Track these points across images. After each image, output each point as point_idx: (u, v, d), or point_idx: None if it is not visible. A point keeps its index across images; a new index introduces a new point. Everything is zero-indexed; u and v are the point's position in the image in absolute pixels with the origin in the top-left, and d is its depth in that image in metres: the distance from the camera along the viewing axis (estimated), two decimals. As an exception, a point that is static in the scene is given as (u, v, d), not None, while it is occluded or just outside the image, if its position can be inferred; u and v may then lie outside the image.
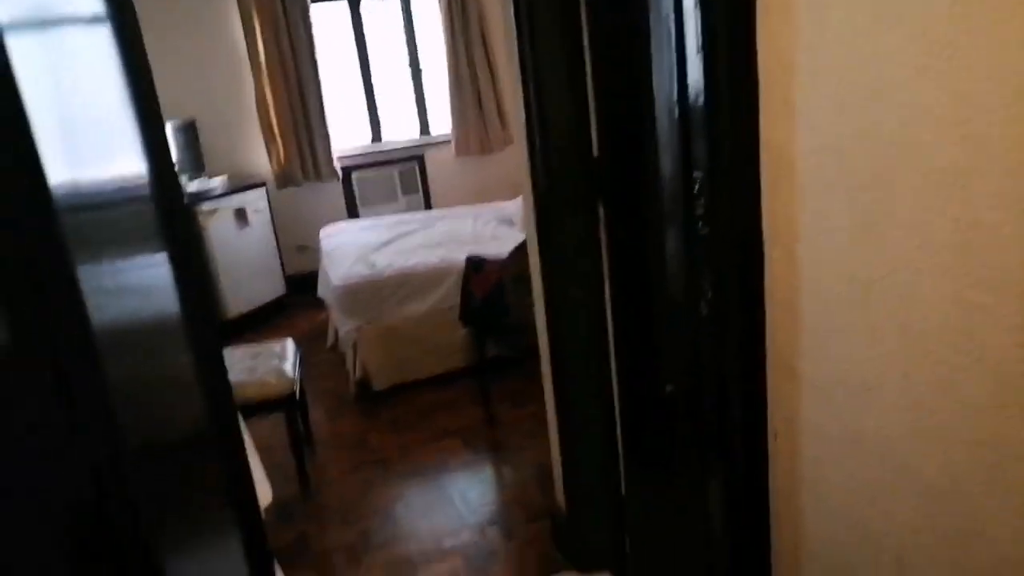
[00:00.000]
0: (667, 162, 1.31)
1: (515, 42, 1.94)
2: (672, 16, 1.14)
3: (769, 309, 1.24)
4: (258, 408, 2.70)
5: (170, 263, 1.14)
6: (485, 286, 2.96)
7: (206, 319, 1.17)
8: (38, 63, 0.84)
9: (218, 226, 4.55)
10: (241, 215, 4.71)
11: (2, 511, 0.55)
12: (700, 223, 1.18)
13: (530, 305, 2.76)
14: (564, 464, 2.29)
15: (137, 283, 1.00)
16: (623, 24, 1.75)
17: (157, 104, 1.34)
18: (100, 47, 1.14)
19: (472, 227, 4.54)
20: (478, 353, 3.32)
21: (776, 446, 1.30)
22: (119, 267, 0.95)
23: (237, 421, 1.26)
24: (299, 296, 5.08)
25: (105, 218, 1.01)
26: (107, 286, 0.86)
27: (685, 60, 1.14)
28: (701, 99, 1.13)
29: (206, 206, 4.50)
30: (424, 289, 3.73)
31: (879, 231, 1.03)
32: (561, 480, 2.33)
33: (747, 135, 1.14)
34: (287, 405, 2.74)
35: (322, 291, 4.47)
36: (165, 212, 1.17)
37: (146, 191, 1.18)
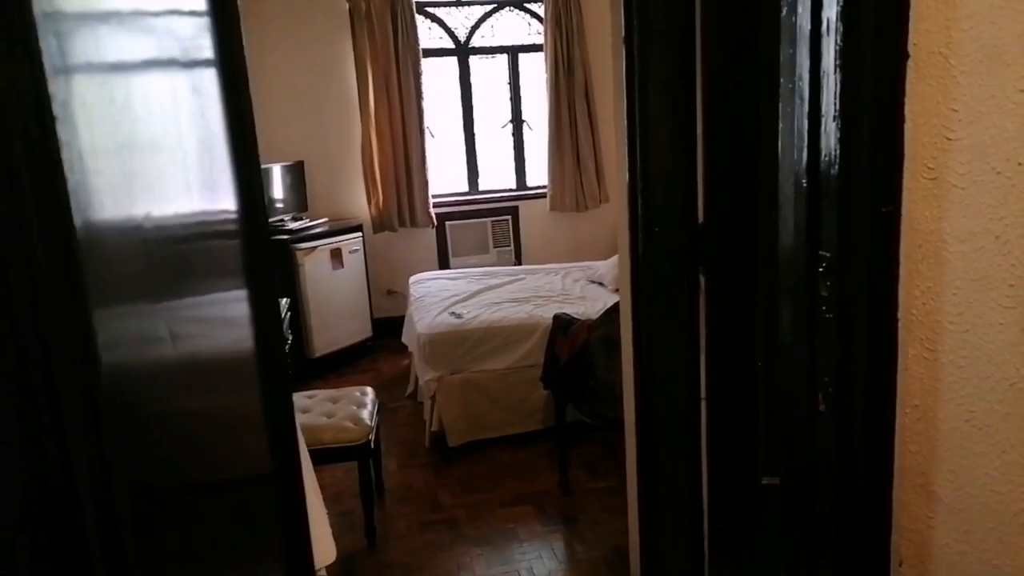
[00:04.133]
0: (788, 236, 1.18)
1: (624, 99, 1.86)
2: (807, 77, 1.03)
3: (901, 414, 1.07)
4: (332, 455, 2.66)
5: (250, 301, 1.10)
6: (571, 348, 2.84)
7: (277, 359, 1.12)
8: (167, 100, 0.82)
9: (314, 265, 4.65)
10: (337, 256, 4.81)
11: None
12: (824, 307, 1.04)
13: (617, 372, 2.62)
14: (643, 551, 2.11)
15: (212, 316, 0.96)
16: (744, 85, 1.65)
17: (255, 145, 1.32)
18: (210, 88, 1.12)
19: (561, 284, 4.46)
20: (558, 417, 3.18)
21: (901, 574, 1.12)
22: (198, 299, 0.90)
23: (299, 468, 1.18)
24: (384, 340, 5.11)
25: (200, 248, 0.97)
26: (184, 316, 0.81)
27: (819, 126, 1.02)
28: (835, 170, 1.00)
29: (305, 245, 4.61)
30: (508, 344, 3.64)
31: (1053, 337, 0.86)
32: (639, 569, 2.14)
33: (887, 213, 1.00)
34: (361, 453, 2.68)
35: (406, 337, 4.47)
36: (251, 249, 1.14)
37: (235, 226, 1.15)
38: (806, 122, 1.04)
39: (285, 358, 0.95)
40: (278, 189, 4.87)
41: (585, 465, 3.30)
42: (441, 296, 4.21)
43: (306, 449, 1.62)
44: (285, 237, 4.59)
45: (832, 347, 1.05)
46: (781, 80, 1.17)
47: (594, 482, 3.17)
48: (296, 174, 5.03)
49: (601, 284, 4.38)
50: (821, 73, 1.00)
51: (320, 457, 2.66)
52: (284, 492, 1.16)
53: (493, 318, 3.76)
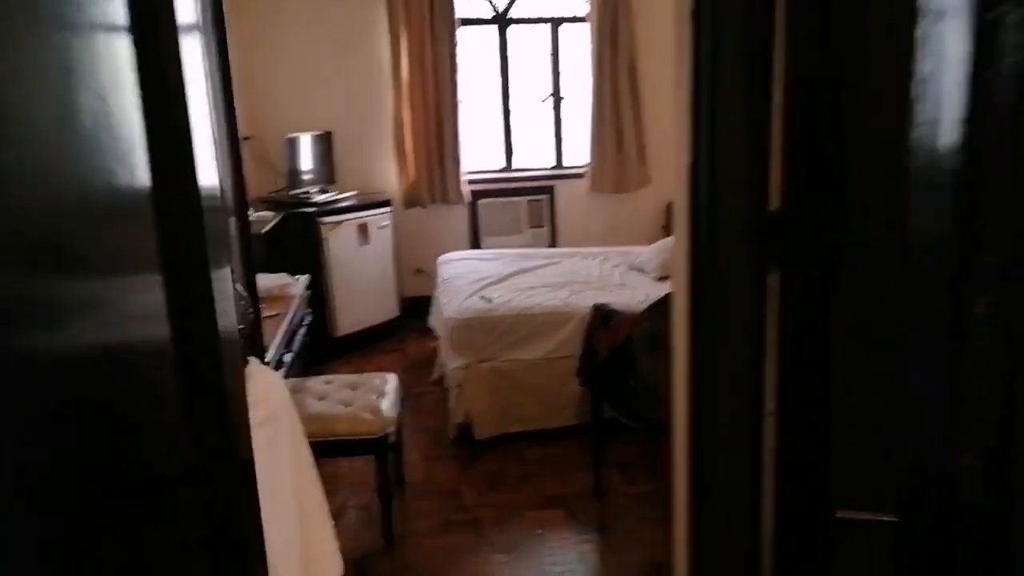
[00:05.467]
0: (921, 232, 0.92)
1: (686, 71, 1.60)
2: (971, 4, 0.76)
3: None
4: (348, 447, 2.46)
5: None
6: (611, 342, 2.60)
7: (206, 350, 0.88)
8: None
9: (339, 240, 4.45)
10: (363, 231, 4.60)
11: None
12: (979, 329, 0.79)
13: (661, 371, 2.37)
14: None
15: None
16: (835, 46, 1.38)
17: (235, 118, 1.13)
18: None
19: (599, 270, 4.20)
20: (594, 414, 2.95)
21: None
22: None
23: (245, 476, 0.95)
24: (411, 320, 4.90)
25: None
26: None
27: (984, 79, 0.76)
28: (1009, 142, 0.74)
29: (330, 219, 4.41)
30: (541, 333, 3.41)
31: None
32: (684, 596, 1.91)
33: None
34: (379, 447, 2.48)
35: (433, 321, 4.26)
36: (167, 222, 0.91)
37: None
38: (962, 70, 0.78)
39: (217, 350, 0.72)
40: (306, 160, 4.67)
41: (620, 467, 3.06)
42: (471, 278, 3.99)
43: (309, 453, 1.42)
44: (310, 210, 4.39)
45: (987, 382, 0.79)
46: (919, 15, 0.90)
47: (629, 486, 2.94)
48: (324, 145, 4.83)
49: (642, 271, 4.12)
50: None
51: (335, 449, 2.47)
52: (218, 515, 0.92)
53: (526, 304, 3.52)
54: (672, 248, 4.08)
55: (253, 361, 1.20)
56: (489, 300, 3.57)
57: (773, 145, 1.45)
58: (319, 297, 4.35)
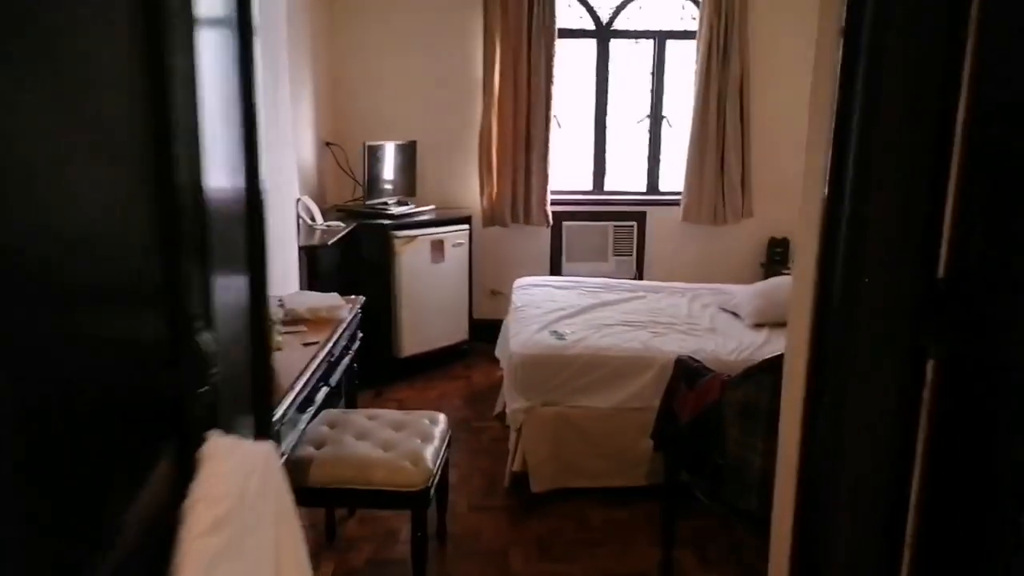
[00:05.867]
0: None
1: (830, 93, 1.23)
2: None
3: None
4: (383, 499, 2.18)
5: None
6: (696, 406, 2.21)
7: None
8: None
9: (412, 256, 4.22)
10: (438, 247, 4.36)
11: None
12: None
13: (758, 454, 1.98)
14: None
15: None
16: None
17: (255, 124, 0.89)
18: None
19: (687, 309, 3.79)
20: (667, 477, 2.56)
21: None
22: None
23: None
24: (483, 344, 4.62)
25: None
26: None
27: None
28: None
29: (404, 232, 4.19)
30: (616, 378, 3.05)
31: None
32: None
33: None
34: (418, 502, 2.18)
35: (500, 351, 3.96)
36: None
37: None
38: None
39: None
40: (388, 170, 4.47)
41: (694, 545, 2.65)
42: (545, 308, 3.66)
43: (299, 547, 1.12)
44: (385, 222, 4.19)
45: None
46: None
47: (704, 571, 2.53)
48: (407, 155, 4.63)
49: (735, 315, 3.68)
50: None
51: (368, 499, 2.19)
52: None
53: (602, 344, 3.16)
54: (772, 293, 3.62)
55: (215, 437, 0.92)
56: (561, 336, 3.23)
57: (948, 194, 1.06)
58: (386, 314, 4.13)
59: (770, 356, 2.10)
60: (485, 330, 4.65)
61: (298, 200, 3.71)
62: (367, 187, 4.29)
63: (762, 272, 4.95)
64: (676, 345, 3.13)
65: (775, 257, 4.90)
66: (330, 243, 3.65)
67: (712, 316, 3.70)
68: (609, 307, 3.75)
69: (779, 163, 4.81)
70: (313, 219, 3.84)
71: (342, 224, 3.94)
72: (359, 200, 4.42)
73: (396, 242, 4.15)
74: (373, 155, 4.29)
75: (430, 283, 4.34)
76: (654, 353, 3.08)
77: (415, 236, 4.24)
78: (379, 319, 3.99)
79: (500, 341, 4.00)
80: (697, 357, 2.67)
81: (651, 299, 3.95)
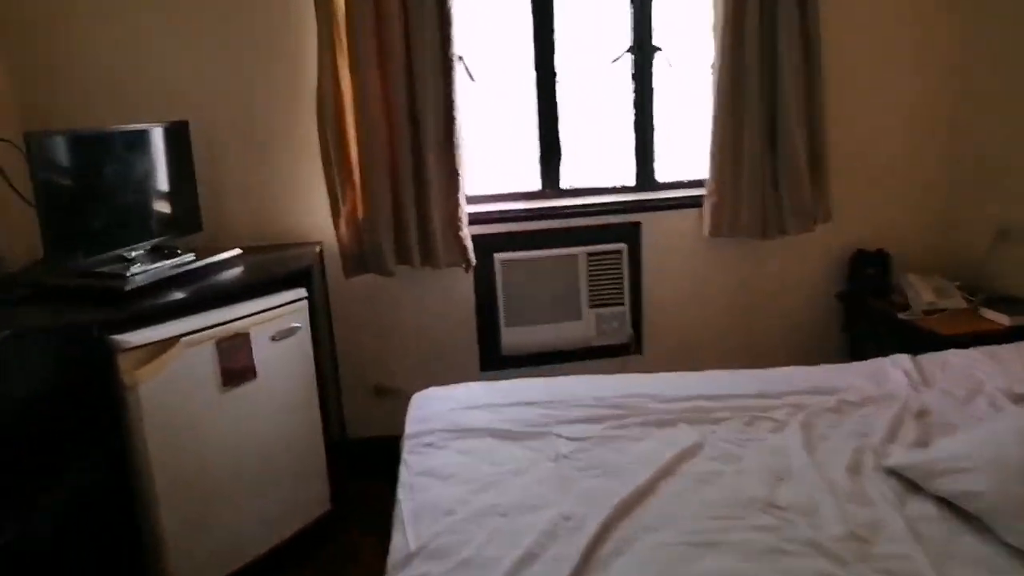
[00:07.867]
0: None
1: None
2: None
3: None
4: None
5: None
6: None
7: None
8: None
9: (163, 384, 1.89)
10: (237, 353, 2.04)
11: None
12: None
13: None
14: None
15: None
16: None
17: None
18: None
19: (808, 461, 1.61)
20: None
21: None
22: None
23: None
24: (360, 506, 2.37)
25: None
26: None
27: None
28: None
29: (137, 339, 1.83)
30: None
31: None
32: None
33: None
34: None
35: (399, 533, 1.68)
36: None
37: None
38: None
39: None
40: (122, 183, 2.12)
41: None
42: (473, 482, 1.41)
43: None
44: (98, 314, 1.83)
45: None
46: None
47: None
48: (173, 150, 2.27)
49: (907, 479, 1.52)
50: None
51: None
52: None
53: None
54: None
55: None
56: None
57: None
58: (119, 528, 1.81)
59: None
60: (369, 457, 2.42)
61: None
62: (50, 226, 1.91)
63: (842, 312, 2.88)
64: None
65: (863, 280, 2.80)
66: None
67: (888, 495, 1.53)
68: (595, 474, 1.52)
69: (875, 135, 2.75)
70: None
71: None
72: (55, 260, 2.03)
73: (122, 363, 1.80)
74: (57, 155, 1.92)
75: (225, 435, 2.02)
76: None
77: (167, 342, 1.88)
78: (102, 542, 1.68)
79: (396, 536, 1.72)
80: None
81: (703, 435, 1.76)
